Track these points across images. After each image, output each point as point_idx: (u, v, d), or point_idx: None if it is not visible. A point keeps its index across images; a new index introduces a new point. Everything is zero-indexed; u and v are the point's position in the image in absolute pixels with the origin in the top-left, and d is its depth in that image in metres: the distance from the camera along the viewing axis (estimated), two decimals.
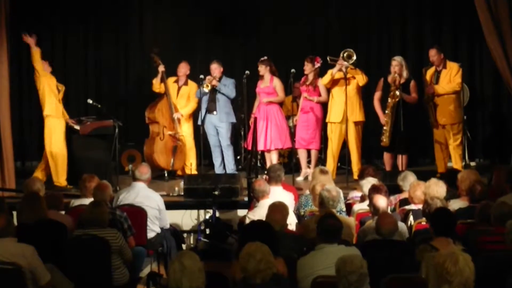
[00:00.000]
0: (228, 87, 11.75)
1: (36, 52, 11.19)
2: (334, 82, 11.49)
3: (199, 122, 11.86)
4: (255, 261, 5.36)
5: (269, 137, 11.68)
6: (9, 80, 11.05)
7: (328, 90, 11.63)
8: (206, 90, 11.60)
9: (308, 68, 11.62)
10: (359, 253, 5.88)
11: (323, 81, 11.51)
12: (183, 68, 12.05)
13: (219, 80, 11.78)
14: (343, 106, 11.32)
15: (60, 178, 11.18)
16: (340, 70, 11.31)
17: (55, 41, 13.71)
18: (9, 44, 11.07)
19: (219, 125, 11.84)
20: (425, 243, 6.42)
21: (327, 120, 11.69)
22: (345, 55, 11.27)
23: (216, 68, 11.78)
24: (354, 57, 11.26)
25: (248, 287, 5.42)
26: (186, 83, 12.13)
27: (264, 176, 9.35)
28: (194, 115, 12.25)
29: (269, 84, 11.73)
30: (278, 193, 8.60)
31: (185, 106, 12.12)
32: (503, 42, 10.61)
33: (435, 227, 6.55)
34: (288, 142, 11.82)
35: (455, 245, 6.18)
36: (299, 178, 11.73)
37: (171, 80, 12.09)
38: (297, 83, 11.94)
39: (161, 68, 11.98)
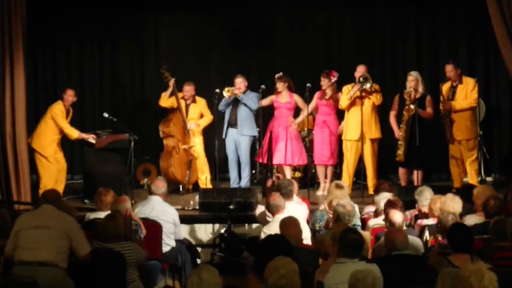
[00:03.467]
0: (251, 99, 11.79)
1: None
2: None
3: (224, 136, 11.92)
4: (278, 276, 5.32)
5: (289, 152, 11.69)
6: (26, 94, 11.11)
7: None
8: (226, 95, 11.65)
9: (325, 83, 11.64)
10: (378, 270, 5.86)
11: (342, 104, 11.53)
12: (188, 91, 12.08)
13: (244, 93, 11.83)
14: (360, 124, 11.31)
15: None
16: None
17: (71, 55, 13.78)
18: (26, 59, 11.13)
19: (239, 139, 11.87)
20: (443, 257, 6.39)
21: (343, 138, 11.68)
22: (361, 79, 11.26)
23: (241, 82, 11.84)
24: (370, 81, 11.25)
25: None
26: (194, 101, 12.17)
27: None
28: (206, 129, 12.28)
29: (289, 100, 11.76)
30: (291, 208, 8.57)
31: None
32: None
33: (452, 243, 6.50)
34: (304, 158, 11.85)
35: (473, 261, 6.13)
36: (319, 193, 11.73)
37: (179, 96, 12.13)
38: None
39: (172, 82, 12.03)
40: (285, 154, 11.68)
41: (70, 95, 11.62)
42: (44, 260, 6.76)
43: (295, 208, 8.69)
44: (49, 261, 6.77)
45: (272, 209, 8.33)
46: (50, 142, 11.48)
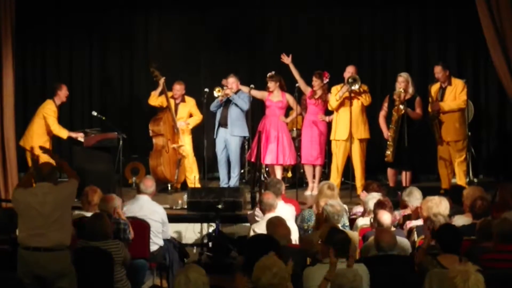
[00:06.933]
0: (243, 99, 11.78)
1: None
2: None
3: (215, 136, 11.91)
4: (271, 274, 5.33)
5: (281, 151, 11.69)
6: (14, 92, 11.07)
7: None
8: (217, 94, 11.65)
9: (317, 84, 11.65)
10: (365, 270, 5.86)
11: (331, 105, 11.53)
12: (178, 90, 12.08)
13: (236, 94, 11.81)
14: (348, 124, 11.32)
15: None
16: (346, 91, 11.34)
17: (60, 53, 13.74)
18: (15, 57, 11.09)
19: (229, 138, 11.86)
20: (432, 257, 6.40)
21: (331, 138, 11.69)
22: (350, 79, 11.26)
23: (233, 82, 11.82)
24: (359, 82, 11.25)
25: None
26: (183, 100, 12.16)
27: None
28: (195, 129, 12.27)
29: (281, 99, 11.76)
30: (279, 207, 8.57)
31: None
32: (508, 58, 10.60)
33: (441, 244, 6.51)
34: (293, 158, 11.86)
35: (461, 262, 6.15)
36: (307, 193, 11.74)
37: (168, 95, 12.11)
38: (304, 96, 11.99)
39: (162, 81, 12.01)
40: (277, 154, 11.69)
41: (66, 90, 11.61)
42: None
43: (283, 207, 8.69)
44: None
45: (265, 207, 8.30)
46: (45, 141, 11.42)
